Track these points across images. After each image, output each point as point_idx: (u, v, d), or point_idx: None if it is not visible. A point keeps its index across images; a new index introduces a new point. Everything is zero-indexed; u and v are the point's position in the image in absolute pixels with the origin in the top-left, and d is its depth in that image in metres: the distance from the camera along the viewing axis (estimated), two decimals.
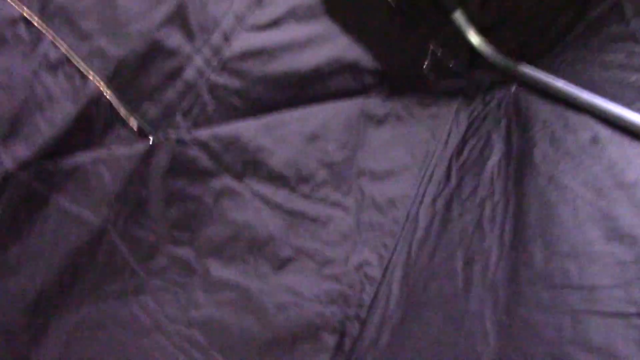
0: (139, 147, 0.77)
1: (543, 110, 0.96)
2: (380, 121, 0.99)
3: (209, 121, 0.83)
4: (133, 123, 0.77)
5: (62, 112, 0.71)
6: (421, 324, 0.81)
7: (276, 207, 0.87)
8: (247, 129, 0.87)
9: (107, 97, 0.73)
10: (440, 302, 0.82)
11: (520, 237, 0.83)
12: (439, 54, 1.02)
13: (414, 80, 1.02)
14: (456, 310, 0.80)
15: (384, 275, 0.88)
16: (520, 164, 0.92)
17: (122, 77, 0.74)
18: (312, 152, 0.91)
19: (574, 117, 0.92)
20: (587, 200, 0.80)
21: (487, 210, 0.89)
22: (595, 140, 0.88)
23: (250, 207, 0.85)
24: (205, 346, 0.78)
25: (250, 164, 0.86)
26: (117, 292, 0.77)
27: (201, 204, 0.82)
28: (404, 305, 0.84)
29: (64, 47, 0.72)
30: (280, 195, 0.88)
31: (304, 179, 0.90)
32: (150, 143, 0.78)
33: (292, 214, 0.88)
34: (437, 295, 0.83)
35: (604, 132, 0.89)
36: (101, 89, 0.72)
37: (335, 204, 0.91)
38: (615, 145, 0.86)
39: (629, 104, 0.87)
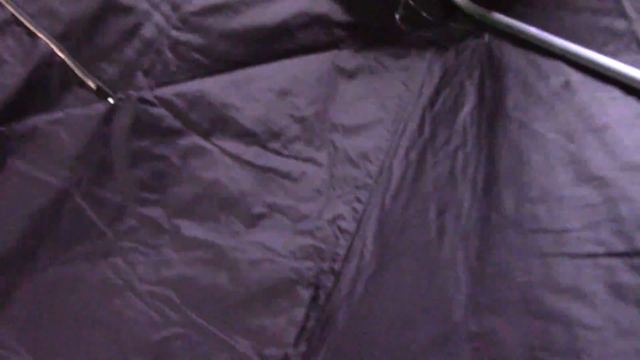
0: (99, 107, 0.75)
1: (516, 57, 0.94)
2: (352, 74, 0.97)
3: (172, 79, 0.81)
4: (91, 83, 0.75)
5: (12, 75, 0.69)
6: (395, 274, 0.81)
7: (247, 164, 0.86)
8: (213, 86, 0.85)
9: (60, 57, 0.71)
10: (414, 251, 0.82)
11: (492, 184, 0.82)
12: (411, 4, 1.00)
13: (386, 32, 1.00)
14: (429, 259, 0.80)
15: (358, 228, 0.87)
16: (492, 112, 0.91)
17: (75, 37, 0.72)
18: (282, 108, 0.90)
19: (547, 64, 0.91)
20: (558, 144, 0.80)
21: (460, 160, 0.88)
22: (567, 85, 0.87)
23: (220, 165, 0.84)
24: (179, 304, 0.78)
25: (218, 122, 0.85)
26: (85, 254, 0.77)
27: (169, 164, 0.81)
28: (378, 257, 0.84)
29: (11, 7, 0.70)
30: (250, 152, 0.86)
31: (274, 135, 0.88)
32: (111, 103, 0.76)
33: (263, 170, 0.87)
34: (411, 245, 0.83)
35: (576, 77, 0.88)
36: (53, 49, 0.70)
37: (308, 159, 0.90)
38: (587, 89, 0.85)
39: (600, 48, 0.86)
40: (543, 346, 0.64)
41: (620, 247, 0.67)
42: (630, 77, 0.81)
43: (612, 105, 0.81)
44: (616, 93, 0.82)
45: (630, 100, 0.80)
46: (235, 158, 0.85)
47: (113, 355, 0.74)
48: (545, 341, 0.64)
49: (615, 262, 0.66)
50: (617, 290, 0.64)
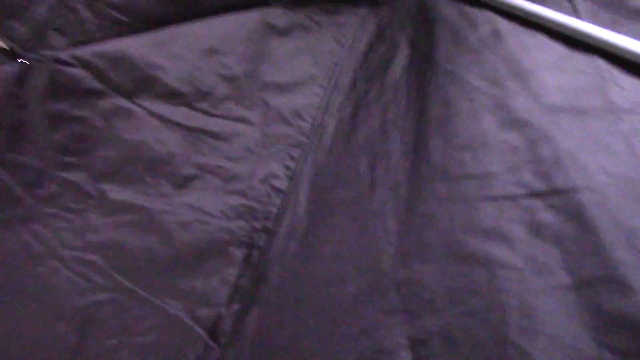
0: (11, 68, 0.72)
1: (447, 9, 0.94)
2: (283, 32, 0.95)
3: (90, 38, 0.79)
4: (1, 43, 0.72)
5: None
6: (327, 230, 0.80)
7: (175, 125, 0.84)
8: (136, 45, 0.82)
9: None
10: (346, 206, 0.81)
11: (421, 135, 0.82)
12: None
13: None
14: (361, 212, 0.80)
15: (291, 186, 0.86)
16: (423, 64, 0.90)
17: None
18: (210, 67, 0.88)
19: (476, 13, 0.91)
20: (484, 91, 0.79)
21: (391, 114, 0.87)
22: (495, 33, 0.87)
23: (146, 127, 0.82)
24: (107, 269, 0.76)
25: (142, 82, 0.83)
26: (3, 221, 0.74)
27: (90, 126, 0.79)
28: (311, 214, 0.83)
29: None
30: (178, 113, 0.84)
31: (203, 95, 0.86)
32: (25, 63, 0.73)
33: (192, 131, 0.85)
34: (343, 200, 0.82)
35: (505, 25, 0.87)
36: None
37: (239, 119, 0.89)
38: (514, 37, 0.85)
39: None
40: (464, 287, 0.64)
41: (540, 187, 0.67)
42: (555, 22, 0.81)
43: (538, 51, 0.81)
44: (542, 38, 0.82)
45: (555, 45, 0.80)
46: (162, 119, 0.83)
47: (38, 324, 0.72)
48: (467, 283, 0.64)
49: (535, 202, 0.67)
50: (536, 230, 0.65)
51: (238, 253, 0.82)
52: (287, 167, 0.88)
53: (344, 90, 0.94)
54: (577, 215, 0.64)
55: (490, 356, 0.60)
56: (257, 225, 0.84)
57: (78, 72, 0.78)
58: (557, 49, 0.80)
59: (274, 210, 0.85)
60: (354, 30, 0.99)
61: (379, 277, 0.72)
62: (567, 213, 0.65)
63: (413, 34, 0.96)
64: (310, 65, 0.95)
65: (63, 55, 0.77)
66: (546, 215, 0.65)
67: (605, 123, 0.70)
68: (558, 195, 0.66)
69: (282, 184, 0.87)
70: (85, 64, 0.78)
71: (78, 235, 0.76)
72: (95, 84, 0.79)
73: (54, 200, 0.76)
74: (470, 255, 0.66)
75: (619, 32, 0.75)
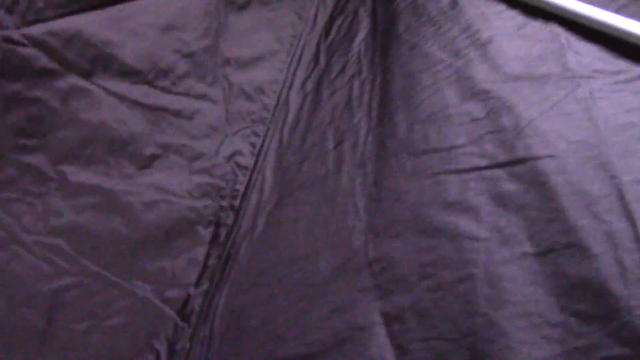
0: None
1: None
2: (242, 6, 0.94)
3: (41, 17, 0.76)
4: None
5: None
6: (295, 207, 0.80)
7: (134, 104, 0.82)
8: (90, 22, 0.80)
9: None
10: (313, 183, 0.82)
11: (386, 109, 0.82)
12: None
13: None
14: (329, 189, 0.80)
15: (256, 163, 0.86)
16: (385, 37, 0.90)
17: None
18: (168, 43, 0.86)
19: None
20: (446, 63, 0.80)
21: (356, 88, 0.87)
22: (454, 3, 0.87)
23: (105, 106, 0.80)
24: (71, 253, 0.75)
25: (98, 60, 0.80)
26: None
27: (47, 107, 0.76)
28: (278, 191, 0.83)
29: None
30: (137, 91, 0.83)
31: (162, 72, 0.85)
32: None
33: (153, 109, 0.83)
34: (310, 177, 0.82)
35: None
36: None
37: (201, 96, 0.87)
38: (473, 6, 0.85)
39: None
40: (433, 261, 0.65)
41: (502, 157, 0.68)
42: None
43: (497, 19, 0.81)
44: (500, 7, 0.83)
45: (513, 13, 0.81)
46: (121, 98, 0.81)
47: (3, 311, 0.70)
48: (435, 256, 0.65)
49: (498, 172, 0.68)
50: (500, 200, 0.66)
51: (205, 232, 0.81)
52: (252, 144, 0.88)
53: (307, 64, 0.93)
54: (539, 184, 0.65)
55: (460, 327, 0.61)
56: (224, 203, 0.83)
57: (30, 51, 0.75)
58: (516, 17, 0.81)
59: (240, 188, 0.85)
60: (314, 4, 0.98)
61: (350, 255, 0.72)
62: (530, 182, 0.66)
63: (373, 7, 0.96)
64: (272, 40, 0.94)
65: (13, 34, 0.74)
66: (509, 185, 0.66)
67: (563, 90, 0.71)
68: (520, 165, 0.67)
69: (247, 161, 0.87)
70: (37, 43, 0.76)
71: (40, 220, 0.74)
72: (49, 64, 0.77)
73: (13, 185, 0.74)
74: (438, 228, 0.67)
75: None
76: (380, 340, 0.65)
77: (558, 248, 0.61)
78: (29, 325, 0.70)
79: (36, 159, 0.76)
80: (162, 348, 0.72)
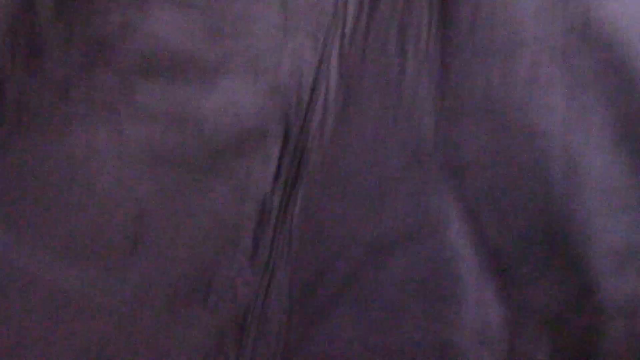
0: None
1: None
2: None
3: None
4: None
5: None
6: (362, 105, 0.80)
7: (192, 10, 0.82)
8: None
9: None
10: (378, 78, 0.81)
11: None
12: None
13: None
14: (393, 82, 0.79)
15: (321, 60, 0.85)
16: None
17: None
18: None
19: None
20: None
21: None
22: None
23: (165, 17, 0.80)
24: (147, 162, 0.77)
25: None
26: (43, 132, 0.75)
27: (108, 22, 0.77)
28: (344, 92, 0.83)
29: None
30: None
31: None
32: None
33: (212, 16, 0.83)
34: (375, 69, 0.81)
35: None
36: None
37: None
38: None
39: None
40: (506, 141, 0.64)
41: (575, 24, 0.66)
42: None
43: None
44: None
45: None
46: (180, 5, 0.81)
47: (96, 218, 0.74)
48: (508, 135, 0.64)
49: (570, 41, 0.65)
50: (571, 70, 0.64)
51: (277, 130, 0.82)
52: (316, 38, 0.86)
53: None
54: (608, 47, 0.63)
55: (537, 209, 0.61)
56: (292, 101, 0.83)
57: None
58: None
59: (306, 91, 0.85)
60: None
61: (420, 142, 0.72)
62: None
63: None
64: None
65: None
66: (582, 55, 0.63)
67: None
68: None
69: (311, 56, 0.85)
70: None
71: (116, 135, 0.76)
72: None
73: (85, 103, 0.76)
74: (509, 105, 0.65)
75: None
76: (456, 227, 0.65)
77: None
78: (120, 230, 0.73)
79: (104, 76, 0.77)
80: (247, 245, 0.75)
